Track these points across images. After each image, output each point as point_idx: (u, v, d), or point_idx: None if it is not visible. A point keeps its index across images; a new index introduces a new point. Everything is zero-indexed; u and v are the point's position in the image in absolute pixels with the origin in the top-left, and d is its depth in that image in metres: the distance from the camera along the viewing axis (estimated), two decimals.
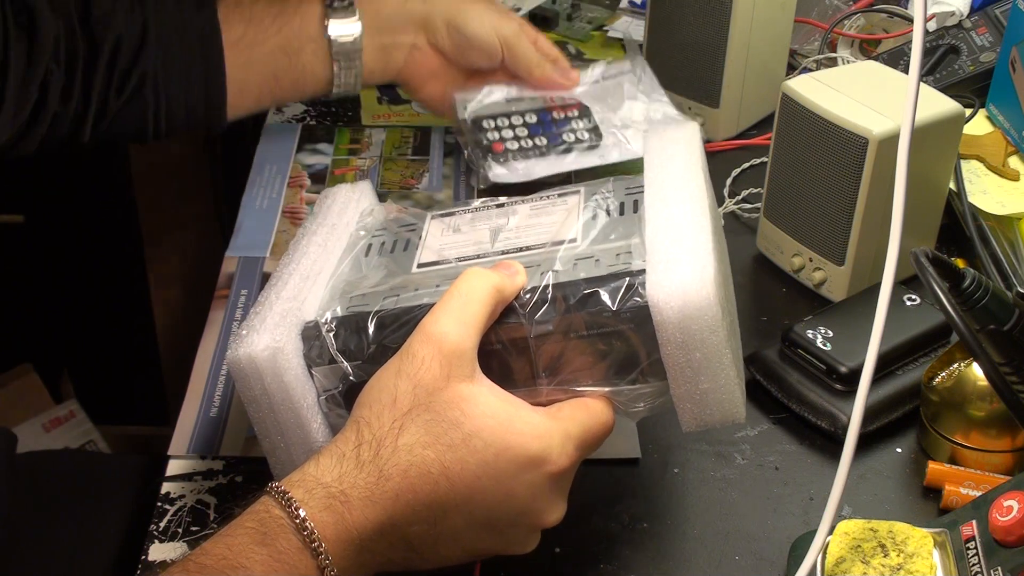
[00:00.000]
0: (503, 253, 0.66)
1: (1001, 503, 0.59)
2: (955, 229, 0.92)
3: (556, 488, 0.59)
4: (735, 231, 0.96)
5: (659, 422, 0.76)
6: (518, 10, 1.36)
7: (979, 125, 1.00)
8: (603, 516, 0.69)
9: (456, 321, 0.58)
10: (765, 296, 0.90)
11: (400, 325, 0.61)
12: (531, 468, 0.57)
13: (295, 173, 1.03)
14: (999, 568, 0.57)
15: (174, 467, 0.73)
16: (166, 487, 0.71)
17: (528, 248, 0.66)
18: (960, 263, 0.85)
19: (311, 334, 0.63)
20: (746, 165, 1.04)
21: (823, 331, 0.77)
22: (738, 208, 0.99)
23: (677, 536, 0.68)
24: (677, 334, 0.58)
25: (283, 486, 0.55)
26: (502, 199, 0.74)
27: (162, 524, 0.68)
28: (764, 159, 0.98)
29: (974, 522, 0.61)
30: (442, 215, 0.73)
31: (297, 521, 0.54)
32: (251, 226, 0.96)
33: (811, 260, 0.87)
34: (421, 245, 0.70)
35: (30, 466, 0.94)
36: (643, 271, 0.60)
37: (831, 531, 0.61)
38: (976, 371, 0.69)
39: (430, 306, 0.60)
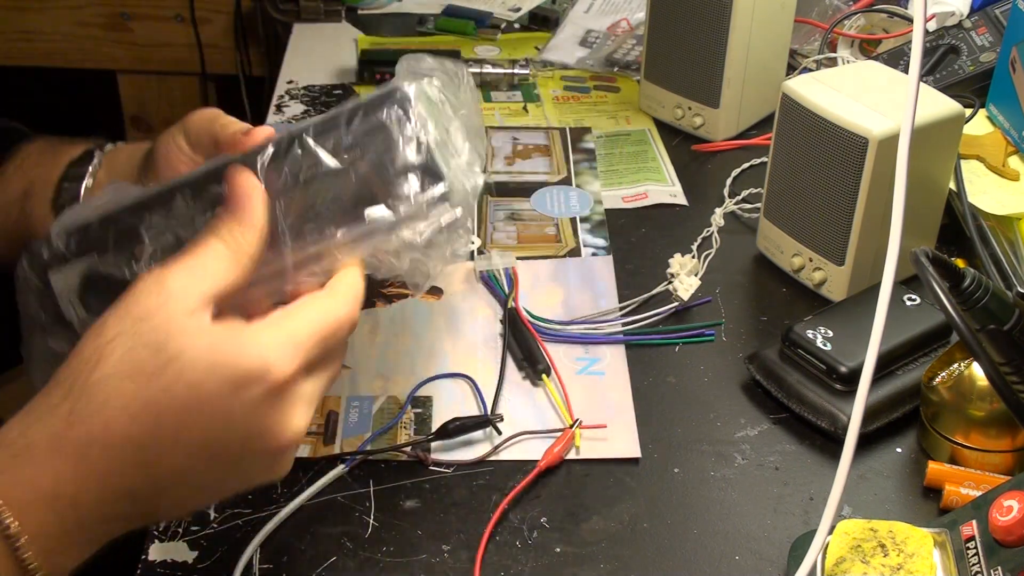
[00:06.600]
0: None
1: (1001, 503, 0.59)
2: (955, 229, 0.92)
3: (286, 400, 0.51)
4: (735, 231, 0.96)
5: (659, 422, 0.76)
6: (518, 10, 1.36)
7: (979, 125, 1.00)
8: (603, 516, 0.69)
9: (185, 268, 0.52)
10: (765, 296, 0.90)
11: (140, 208, 0.59)
12: (247, 385, 0.49)
13: None
14: (999, 568, 0.57)
15: None
16: None
17: None
18: (960, 263, 0.85)
19: (38, 244, 0.60)
20: (746, 165, 1.04)
21: (823, 331, 0.77)
22: (738, 208, 0.99)
23: (677, 536, 0.68)
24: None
25: None
26: None
27: (162, 524, 0.68)
28: (764, 159, 0.98)
29: (974, 522, 0.61)
30: None
31: None
32: None
33: (811, 260, 0.87)
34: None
35: None
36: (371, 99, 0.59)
37: (831, 531, 0.61)
38: (976, 371, 0.69)
39: (172, 187, 0.58)
